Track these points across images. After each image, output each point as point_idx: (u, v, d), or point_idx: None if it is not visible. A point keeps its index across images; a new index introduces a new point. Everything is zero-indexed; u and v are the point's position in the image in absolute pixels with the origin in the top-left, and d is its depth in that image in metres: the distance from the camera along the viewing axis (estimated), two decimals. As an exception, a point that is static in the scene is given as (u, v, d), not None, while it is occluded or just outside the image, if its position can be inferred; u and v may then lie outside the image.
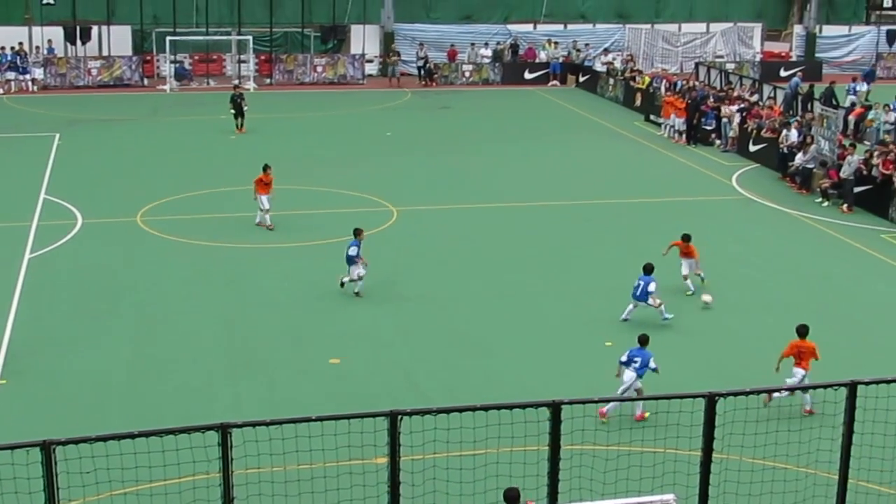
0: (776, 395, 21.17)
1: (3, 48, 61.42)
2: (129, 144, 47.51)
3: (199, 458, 12.47)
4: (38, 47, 63.14)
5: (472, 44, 69.96)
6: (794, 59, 73.88)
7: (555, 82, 68.34)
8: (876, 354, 22.08)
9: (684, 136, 49.89)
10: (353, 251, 28.12)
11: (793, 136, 43.47)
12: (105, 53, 64.26)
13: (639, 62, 68.53)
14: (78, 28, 63.52)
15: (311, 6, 67.91)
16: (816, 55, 74.38)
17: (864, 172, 38.75)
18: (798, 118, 46.35)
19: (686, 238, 29.08)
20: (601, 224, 36.07)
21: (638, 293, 26.30)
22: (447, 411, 12.21)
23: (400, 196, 38.51)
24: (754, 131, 46.62)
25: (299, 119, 54.66)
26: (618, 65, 66.03)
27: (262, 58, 66.33)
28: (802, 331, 22.11)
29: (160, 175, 41.57)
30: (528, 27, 72.63)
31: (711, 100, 51.66)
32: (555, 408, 12.10)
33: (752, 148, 46.46)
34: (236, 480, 12.03)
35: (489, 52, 69.75)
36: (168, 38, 62.18)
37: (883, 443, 18.12)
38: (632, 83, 59.86)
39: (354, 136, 50.13)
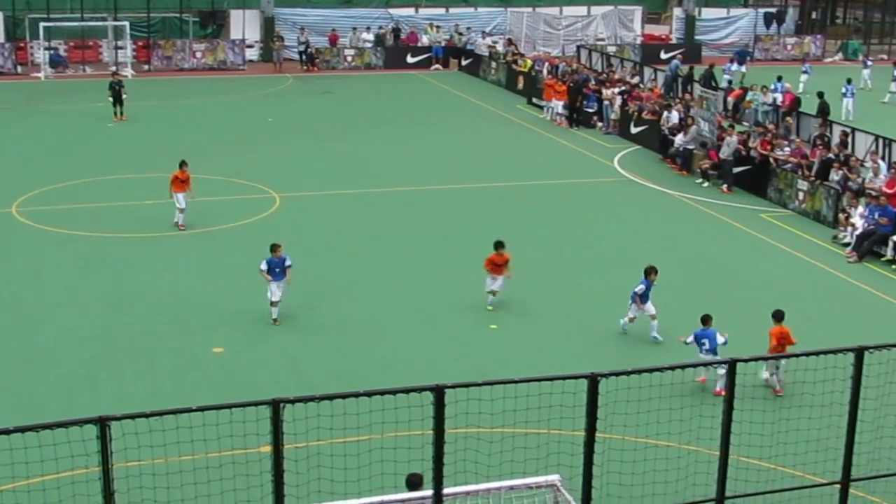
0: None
1: None
2: (2, 133, 46.47)
3: (78, 453, 12.22)
4: None
5: (354, 28, 69.72)
6: (673, 41, 74.80)
7: (437, 66, 68.38)
8: (755, 332, 22.43)
9: (566, 119, 50.21)
10: (263, 266, 25.42)
11: (673, 117, 44.01)
12: (-23, 41, 62.93)
13: (521, 45, 68.79)
14: (-51, 15, 62.16)
15: (189, -9, 67.17)
16: (696, 38, 75.40)
17: (743, 153, 39.34)
18: (678, 100, 46.91)
19: (499, 246, 26.79)
20: (486, 208, 36.14)
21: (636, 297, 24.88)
22: (330, 398, 12.11)
23: (282, 182, 38.22)
24: (635, 113, 47.10)
25: (179, 106, 53.95)
26: (500, 48, 66.22)
27: (140, 44, 65.31)
28: (779, 315, 22.40)
29: (36, 165, 40.71)
30: (410, 11, 72.49)
31: (593, 83, 52.07)
32: (438, 392, 12.07)
33: (634, 130, 46.94)
34: (117, 474, 11.82)
35: (371, 37, 69.54)
36: (42, 25, 60.82)
37: (762, 419, 18.43)
38: (514, 66, 60.09)
39: (235, 123, 49.64)
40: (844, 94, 53.09)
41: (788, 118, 44.58)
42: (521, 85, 58.16)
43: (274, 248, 25.55)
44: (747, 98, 50.29)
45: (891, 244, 31.41)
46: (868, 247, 31.70)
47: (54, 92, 56.62)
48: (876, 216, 31.93)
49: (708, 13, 77.23)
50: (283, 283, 25.42)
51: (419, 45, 70.09)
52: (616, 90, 49.85)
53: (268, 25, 68.37)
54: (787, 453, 17.92)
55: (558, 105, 50.74)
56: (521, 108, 54.42)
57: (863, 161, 36.66)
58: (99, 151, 43.40)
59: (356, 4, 72.03)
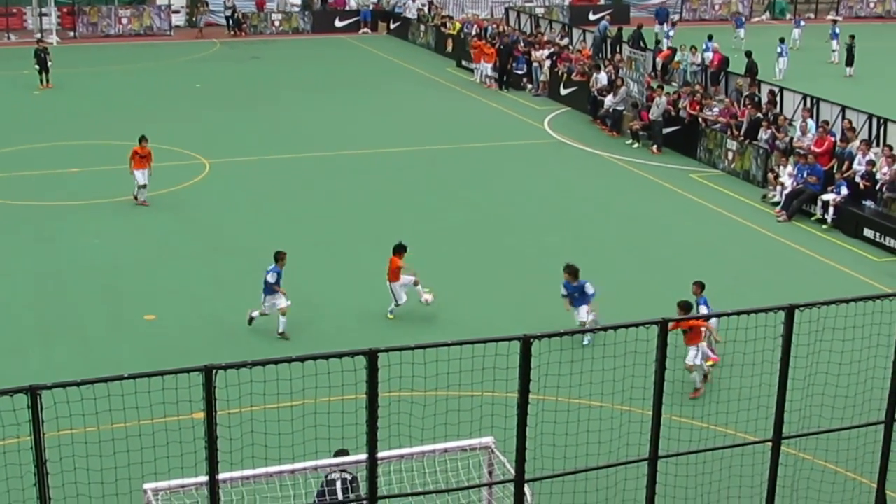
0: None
1: None
2: (-74, 102, 45.82)
3: (9, 422, 12.11)
4: None
5: (282, -8, 69.21)
6: (602, 2, 74.77)
7: (366, 30, 68.04)
8: (685, 291, 22.57)
9: (496, 81, 50.22)
10: (271, 278, 23.22)
11: (602, 79, 44.13)
12: None
13: (449, 8, 68.61)
14: None
15: (114, -44, 66.24)
16: (623, -1, 75.46)
17: (673, 114, 39.55)
18: (607, 61, 47.01)
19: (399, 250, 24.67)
20: (417, 171, 36.11)
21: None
22: (263, 363, 12.07)
23: (211, 149, 37.94)
24: (565, 75, 47.17)
25: (105, 73, 53.29)
26: (428, 11, 66.01)
27: (65, 10, 64.37)
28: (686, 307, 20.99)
29: (-39, 133, 40.18)
30: (338, -26, 72.01)
31: (522, 45, 52.07)
32: (371, 356, 12.06)
33: (563, 91, 47.02)
34: (48, 443, 11.73)
35: (298, 1, 69.01)
36: (-36, -8, 59.95)
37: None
38: (443, 29, 59.94)
39: (162, 89, 49.15)
40: (780, 55, 53.28)
41: (739, 81, 42.48)
42: (450, 48, 58.03)
43: (279, 256, 23.56)
44: (676, 59, 50.49)
45: (819, 203, 31.74)
46: (797, 206, 32.02)
47: (-23, 60, 55.82)
48: (805, 175, 32.23)
49: (636, -26, 77.29)
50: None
51: (347, 8, 69.67)
52: (545, 52, 49.86)
53: (194, -10, 67.70)
54: (720, 412, 18.16)
55: (487, 67, 50.75)
56: (450, 71, 54.35)
57: (791, 120, 36.94)
58: (25, 120, 42.82)
59: (283, -32, 71.42)
